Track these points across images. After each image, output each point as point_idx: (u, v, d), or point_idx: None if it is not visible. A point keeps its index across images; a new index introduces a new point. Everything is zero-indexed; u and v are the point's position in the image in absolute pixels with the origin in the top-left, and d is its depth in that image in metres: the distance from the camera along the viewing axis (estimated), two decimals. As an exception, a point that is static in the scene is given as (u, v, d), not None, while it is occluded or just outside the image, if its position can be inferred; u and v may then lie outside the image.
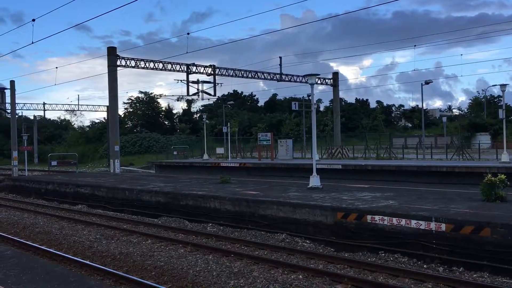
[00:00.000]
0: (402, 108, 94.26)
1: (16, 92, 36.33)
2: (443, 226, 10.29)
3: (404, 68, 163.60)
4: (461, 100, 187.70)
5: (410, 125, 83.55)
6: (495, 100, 77.15)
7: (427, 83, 34.15)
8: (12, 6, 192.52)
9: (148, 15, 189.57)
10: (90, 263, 10.58)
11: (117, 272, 9.70)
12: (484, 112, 59.13)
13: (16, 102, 38.18)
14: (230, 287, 8.89)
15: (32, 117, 73.47)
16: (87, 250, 12.49)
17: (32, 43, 25.30)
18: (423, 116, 37.97)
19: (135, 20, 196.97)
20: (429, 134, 55.33)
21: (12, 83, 36.29)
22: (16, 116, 40.19)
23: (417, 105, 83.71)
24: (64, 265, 10.48)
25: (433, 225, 10.44)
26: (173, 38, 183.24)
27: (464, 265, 9.63)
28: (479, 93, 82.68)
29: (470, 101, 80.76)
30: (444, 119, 58.11)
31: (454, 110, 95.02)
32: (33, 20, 22.86)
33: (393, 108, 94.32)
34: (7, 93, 57.13)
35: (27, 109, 63.31)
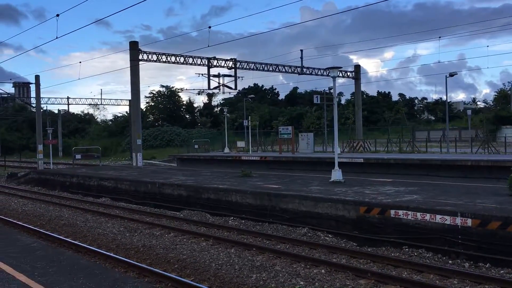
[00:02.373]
0: (425, 101, 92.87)
1: (40, 87, 37.08)
2: (469, 221, 10.10)
3: (426, 61, 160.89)
4: (484, 92, 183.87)
5: (433, 118, 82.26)
6: (522, 92, 75.33)
7: (451, 75, 33.42)
8: (33, 1, 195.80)
9: (168, 9, 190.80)
10: (114, 255, 10.70)
11: (141, 265, 9.80)
12: (511, 105, 57.78)
13: (41, 96, 38.90)
14: (253, 280, 8.89)
15: (56, 111, 74.73)
16: (111, 242, 12.66)
17: (57, 38, 25.75)
18: (447, 108, 37.28)
19: (155, 14, 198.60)
20: (453, 127, 54.37)
21: (37, 77, 36.95)
22: (41, 110, 40.91)
23: (440, 98, 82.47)
24: (89, 257, 10.64)
25: (458, 220, 10.26)
26: (193, 32, 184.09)
27: (490, 261, 9.44)
28: (504, 85, 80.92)
29: (495, 93, 79.06)
30: (469, 111, 56.91)
31: (478, 103, 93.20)
32: (57, 15, 22.99)
33: (416, 101, 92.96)
34: (32, 87, 58.28)
35: (51, 104, 64.52)
